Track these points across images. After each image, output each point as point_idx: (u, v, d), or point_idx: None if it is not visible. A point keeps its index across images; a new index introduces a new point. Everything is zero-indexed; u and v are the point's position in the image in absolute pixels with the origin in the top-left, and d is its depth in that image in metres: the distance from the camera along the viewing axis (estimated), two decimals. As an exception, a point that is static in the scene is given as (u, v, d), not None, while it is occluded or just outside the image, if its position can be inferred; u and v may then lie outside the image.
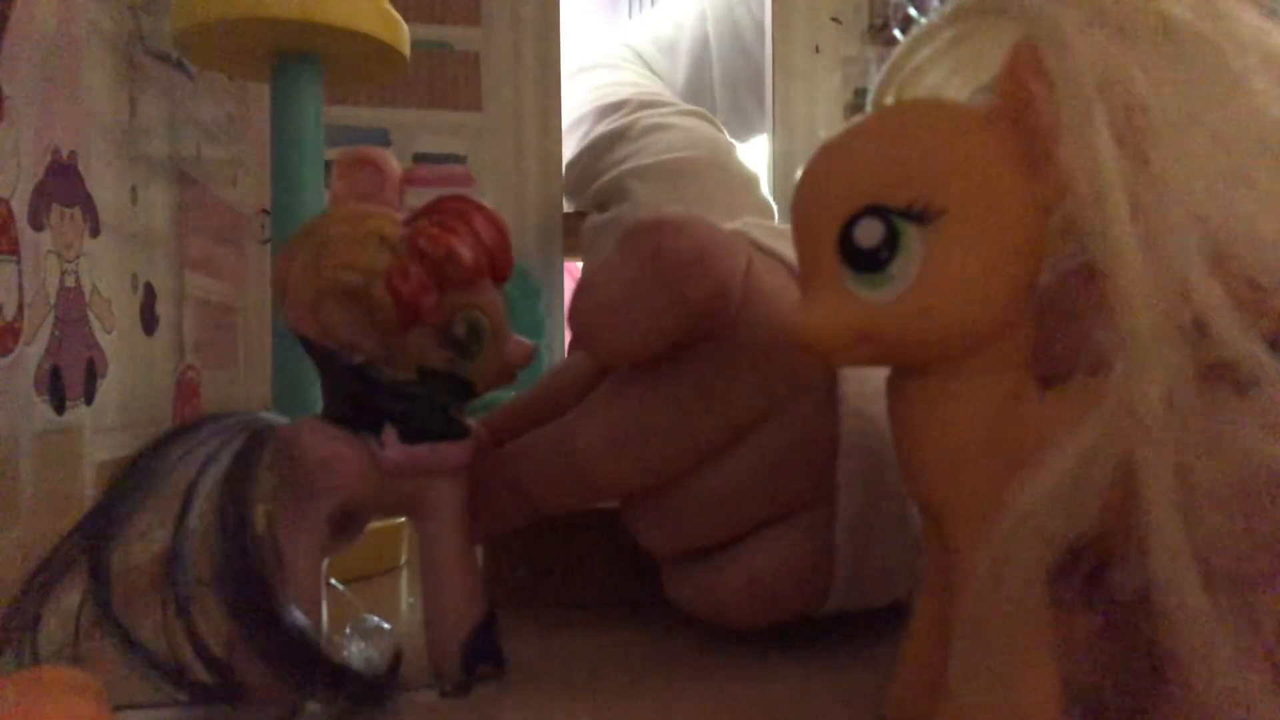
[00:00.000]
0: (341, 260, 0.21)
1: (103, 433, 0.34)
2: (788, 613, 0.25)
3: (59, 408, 0.31)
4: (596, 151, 0.63)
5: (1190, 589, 0.15)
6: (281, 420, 0.22)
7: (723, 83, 0.78)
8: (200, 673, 0.20)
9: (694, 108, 0.67)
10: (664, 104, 0.66)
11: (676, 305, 0.22)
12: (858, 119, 0.19)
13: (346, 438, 0.22)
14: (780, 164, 0.70)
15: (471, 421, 0.24)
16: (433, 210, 0.22)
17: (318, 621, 0.22)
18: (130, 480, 0.20)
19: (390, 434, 0.22)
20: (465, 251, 0.21)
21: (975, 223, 0.17)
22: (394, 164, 0.23)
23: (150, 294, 0.40)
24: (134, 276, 0.38)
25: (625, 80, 0.72)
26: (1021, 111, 0.17)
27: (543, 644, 0.27)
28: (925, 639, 0.20)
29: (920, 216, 0.17)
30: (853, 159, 0.18)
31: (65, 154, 0.32)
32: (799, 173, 0.19)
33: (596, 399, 0.25)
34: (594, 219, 0.59)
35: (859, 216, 0.18)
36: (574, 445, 0.24)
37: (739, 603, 0.25)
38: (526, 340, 0.23)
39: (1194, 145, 0.16)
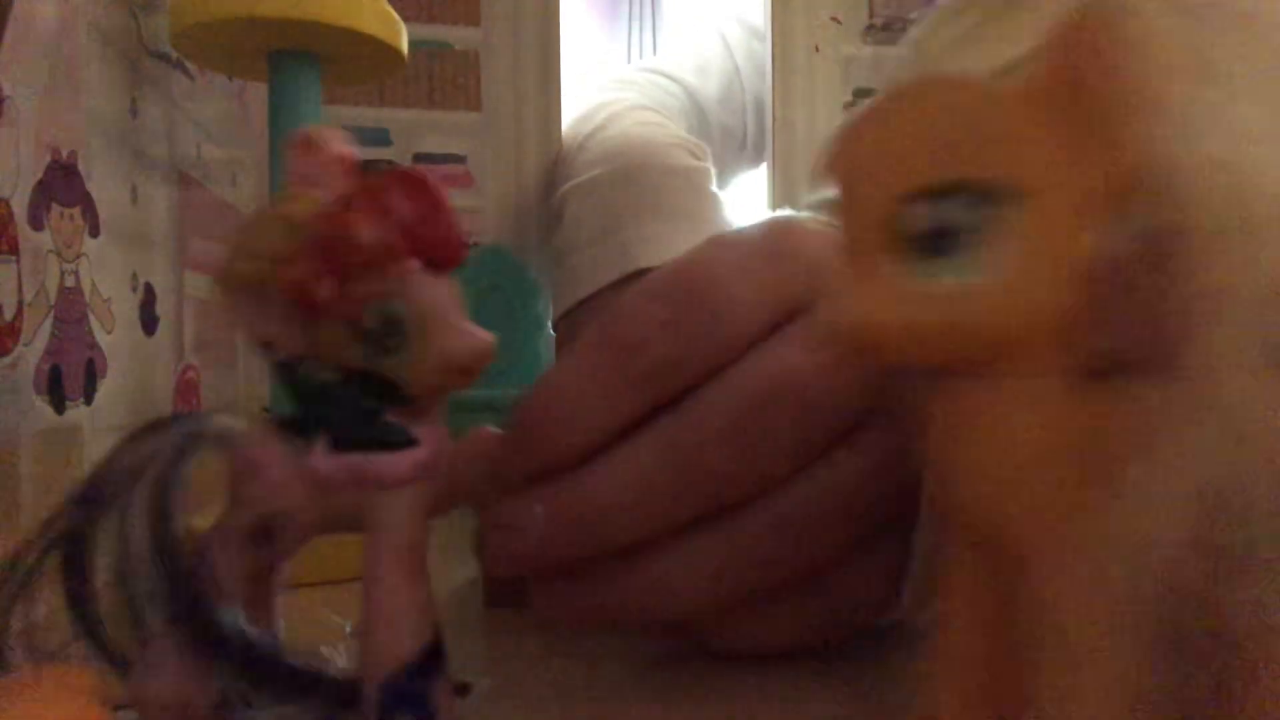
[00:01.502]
0: (244, 247, 0.20)
1: (103, 433, 0.34)
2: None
3: (59, 408, 0.31)
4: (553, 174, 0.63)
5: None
6: (225, 422, 0.21)
7: (754, 108, 0.78)
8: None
9: (644, 104, 0.66)
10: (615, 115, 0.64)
11: (631, 385, 0.21)
12: (904, 89, 0.17)
13: (274, 444, 0.20)
14: (780, 164, 0.70)
15: (437, 430, 0.21)
16: (352, 190, 0.20)
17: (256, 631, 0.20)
18: (84, 488, 0.19)
19: (321, 442, 0.20)
20: (364, 231, 0.19)
21: (1047, 205, 0.16)
22: (333, 143, 0.21)
23: (150, 294, 0.40)
24: (134, 276, 0.38)
25: (618, 98, 0.70)
26: (1087, 85, 0.16)
27: (542, 643, 0.27)
28: (960, 657, 0.19)
29: (999, 197, 0.16)
30: (919, 134, 0.16)
31: (65, 154, 0.32)
32: (841, 141, 0.17)
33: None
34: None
35: (934, 194, 0.16)
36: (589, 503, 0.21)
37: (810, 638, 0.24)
38: (479, 332, 0.20)
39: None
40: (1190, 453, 0.15)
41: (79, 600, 0.19)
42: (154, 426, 0.20)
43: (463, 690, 0.23)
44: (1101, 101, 0.16)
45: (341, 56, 0.38)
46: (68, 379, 0.31)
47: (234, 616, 0.19)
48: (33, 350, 0.29)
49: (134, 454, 0.20)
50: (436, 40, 0.64)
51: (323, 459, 0.20)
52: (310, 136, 0.21)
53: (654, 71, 0.78)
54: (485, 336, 0.20)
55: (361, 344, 0.20)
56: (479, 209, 0.65)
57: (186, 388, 0.45)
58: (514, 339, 0.39)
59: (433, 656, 0.20)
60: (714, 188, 0.57)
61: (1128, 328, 0.16)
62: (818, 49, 0.71)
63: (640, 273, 0.49)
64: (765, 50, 0.77)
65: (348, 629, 0.25)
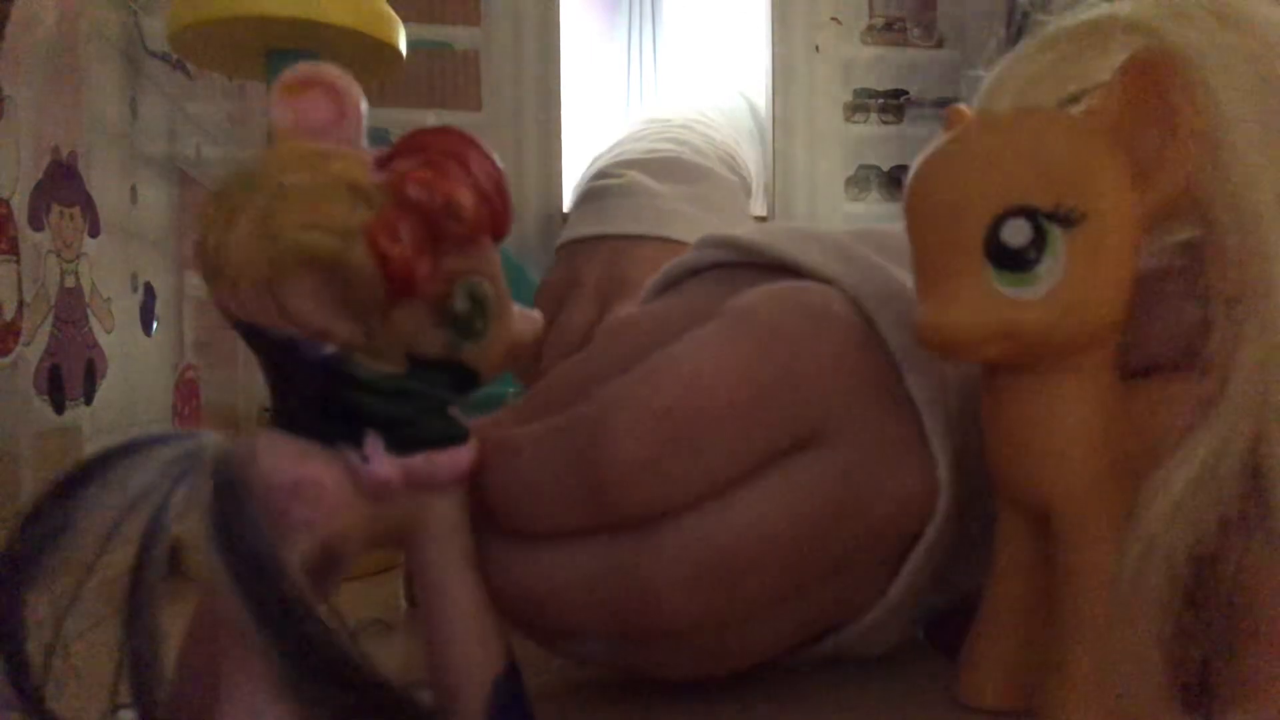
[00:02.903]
0: (304, 218, 0.16)
1: (103, 433, 0.34)
2: None
3: (59, 408, 0.31)
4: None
5: None
6: (219, 439, 0.16)
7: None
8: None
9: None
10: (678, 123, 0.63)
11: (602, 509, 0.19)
12: (986, 121, 0.20)
13: (318, 454, 0.17)
14: (780, 164, 0.70)
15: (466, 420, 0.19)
16: (415, 148, 0.17)
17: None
18: (39, 526, 0.16)
19: (375, 444, 0.17)
20: (467, 197, 0.16)
21: (1108, 226, 0.18)
22: (355, 87, 0.17)
23: (150, 294, 0.40)
24: (134, 276, 0.38)
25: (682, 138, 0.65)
26: (1148, 119, 0.18)
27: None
28: (1004, 622, 0.21)
29: (1065, 219, 0.18)
30: (999, 159, 0.19)
31: (65, 154, 0.32)
32: (922, 169, 0.20)
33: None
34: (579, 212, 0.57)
35: (1008, 215, 0.18)
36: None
37: None
38: (532, 310, 0.19)
39: None
40: (1215, 440, 0.17)
41: (15, 661, 0.15)
42: (138, 446, 0.16)
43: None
44: (1160, 133, 0.18)
45: (341, 56, 0.38)
46: (68, 379, 0.31)
47: (341, 641, 0.16)
48: (33, 350, 0.29)
49: (122, 478, 0.16)
50: (436, 40, 0.64)
51: (383, 463, 0.17)
52: (321, 76, 0.17)
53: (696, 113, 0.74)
54: (538, 314, 0.19)
55: (446, 328, 0.17)
56: (479, 209, 0.64)
57: (186, 388, 0.45)
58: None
59: (515, 665, 0.19)
60: (745, 198, 0.59)
61: (1165, 331, 0.19)
62: (818, 49, 0.71)
63: (665, 240, 0.51)
64: (758, 130, 0.75)
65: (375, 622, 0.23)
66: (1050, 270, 0.18)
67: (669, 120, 0.64)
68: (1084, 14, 0.20)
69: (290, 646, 0.15)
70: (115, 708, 0.18)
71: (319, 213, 0.16)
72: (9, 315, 0.28)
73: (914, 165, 0.20)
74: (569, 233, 0.55)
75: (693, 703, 0.23)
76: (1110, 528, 0.19)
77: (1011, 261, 0.18)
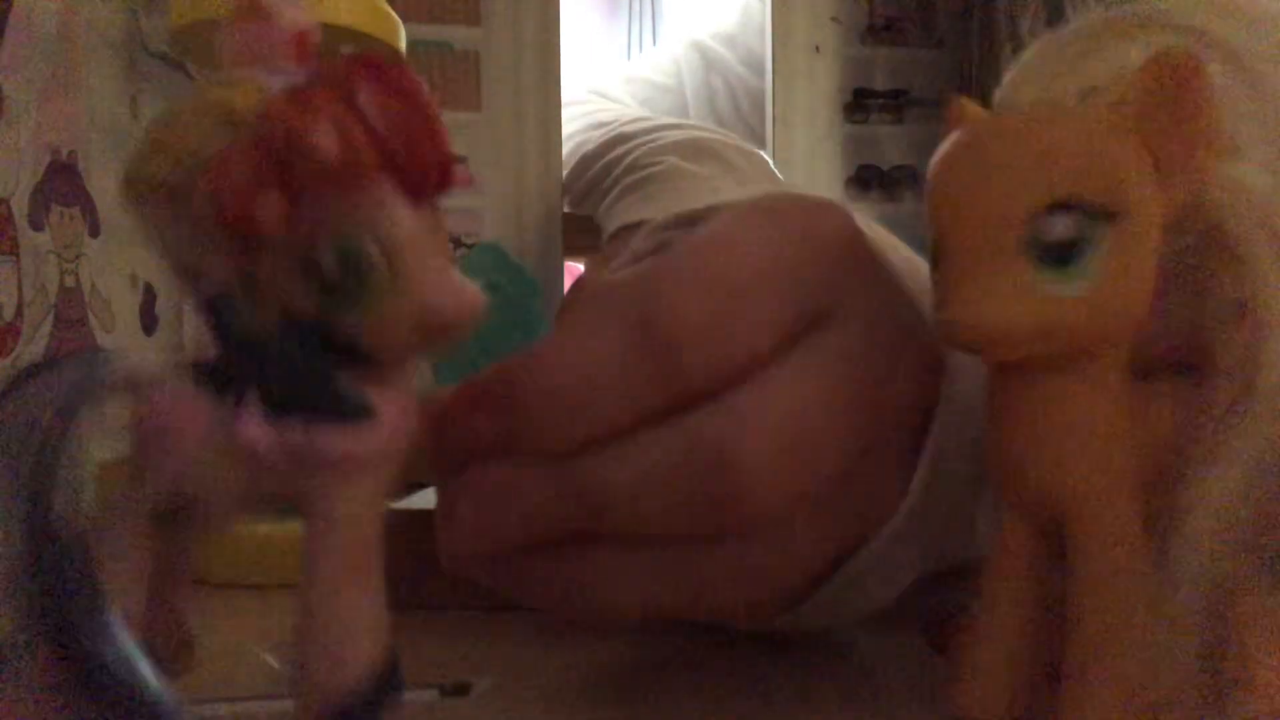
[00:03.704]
0: (159, 144, 0.15)
1: (103, 433, 0.34)
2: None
3: (59, 407, 0.31)
4: (591, 158, 0.63)
5: None
6: (137, 365, 0.16)
7: None
8: None
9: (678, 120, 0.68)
10: (652, 115, 0.66)
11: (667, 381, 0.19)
12: (1024, 115, 0.20)
13: (196, 399, 0.16)
14: (780, 164, 0.70)
15: (404, 400, 0.16)
16: (324, 77, 0.15)
17: (143, 640, 0.15)
18: None
19: (250, 401, 0.15)
20: (325, 137, 0.14)
21: (1142, 223, 0.18)
22: (291, 12, 0.16)
23: (150, 294, 0.40)
24: (134, 276, 0.38)
25: (609, 107, 0.72)
26: (1174, 117, 0.18)
27: (542, 643, 0.27)
28: (1002, 633, 0.21)
29: (1109, 214, 0.18)
30: (1043, 153, 0.18)
31: (65, 154, 0.32)
32: (948, 164, 0.19)
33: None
34: (616, 205, 0.57)
35: (1052, 209, 0.18)
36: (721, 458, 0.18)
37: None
38: (467, 284, 0.16)
39: None
40: (1254, 441, 0.17)
41: None
42: (33, 372, 0.16)
43: (462, 690, 0.23)
44: (1185, 132, 0.18)
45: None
46: (68, 379, 0.31)
47: (120, 640, 0.15)
48: (33, 350, 0.29)
49: (18, 404, 0.15)
50: (436, 40, 0.64)
51: (254, 425, 0.15)
52: (258, 2, 0.16)
53: (598, 94, 0.78)
54: (473, 290, 0.16)
55: (314, 285, 0.15)
56: (479, 209, 0.65)
57: (186, 388, 0.45)
58: (512, 339, 0.39)
59: (383, 681, 0.16)
60: (767, 162, 0.59)
61: (1164, 332, 0.19)
62: (818, 49, 0.71)
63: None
64: (722, 83, 0.77)
65: (272, 661, 0.21)
66: (1094, 266, 0.18)
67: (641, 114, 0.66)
68: (1121, 7, 0.20)
69: (45, 611, 0.15)
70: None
71: (177, 137, 0.15)
72: (9, 315, 0.28)
73: (937, 161, 0.20)
74: (615, 222, 0.55)
75: (691, 704, 0.23)
76: (1126, 532, 0.19)
77: (1056, 256, 0.18)
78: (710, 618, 0.24)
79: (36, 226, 0.29)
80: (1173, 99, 0.18)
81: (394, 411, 0.16)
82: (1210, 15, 0.18)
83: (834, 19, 0.71)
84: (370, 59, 0.14)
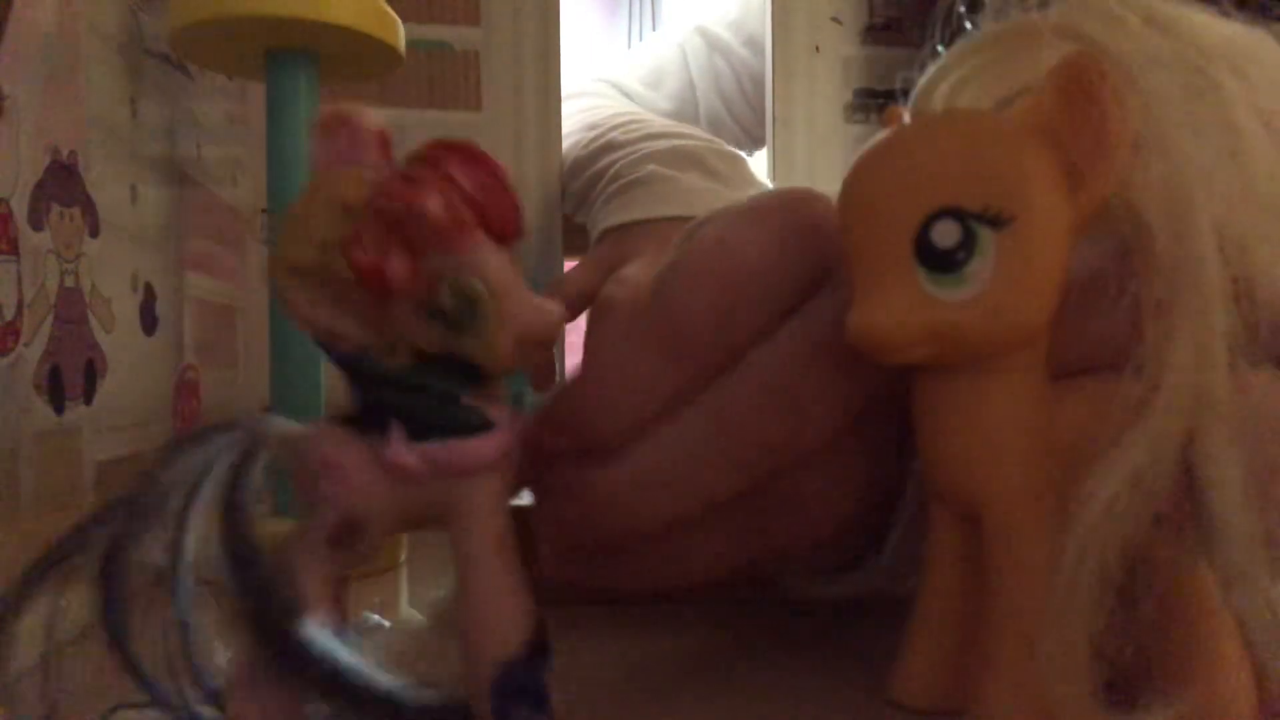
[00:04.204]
0: (292, 233, 0.19)
1: (103, 433, 0.34)
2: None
3: (59, 408, 0.31)
4: (581, 164, 0.64)
5: (1257, 565, 0.17)
6: (284, 424, 0.20)
7: (707, 123, 0.78)
8: (198, 704, 0.19)
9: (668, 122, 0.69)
10: (642, 118, 0.67)
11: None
12: (917, 123, 0.20)
13: (350, 441, 0.19)
14: (780, 164, 0.70)
15: (508, 411, 0.20)
16: (412, 161, 0.19)
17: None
18: (135, 494, 0.18)
19: (397, 432, 0.19)
20: (433, 204, 0.18)
21: (1038, 228, 0.18)
22: (370, 117, 0.20)
23: (150, 294, 0.40)
24: (134, 276, 0.38)
25: (603, 105, 0.73)
26: (1081, 123, 0.18)
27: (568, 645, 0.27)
28: (937, 623, 0.21)
29: (994, 220, 0.18)
30: (929, 161, 0.19)
31: (65, 154, 0.32)
32: (855, 172, 0.20)
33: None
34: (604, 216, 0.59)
35: (936, 217, 0.18)
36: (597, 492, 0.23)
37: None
38: (548, 302, 0.20)
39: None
40: (1148, 440, 0.17)
41: (112, 611, 0.18)
42: (207, 432, 0.19)
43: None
44: (1092, 137, 0.18)
45: (340, 56, 0.38)
46: (68, 379, 0.31)
47: (322, 633, 0.18)
48: (33, 350, 0.29)
49: (188, 462, 0.19)
50: (436, 40, 0.64)
51: (402, 449, 0.19)
52: (341, 113, 0.20)
53: (606, 81, 0.78)
54: (555, 306, 0.20)
55: (437, 324, 0.19)
56: (479, 209, 0.64)
57: (186, 388, 0.45)
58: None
59: (539, 647, 0.20)
60: (748, 165, 0.62)
61: (1099, 334, 0.19)
62: (818, 49, 0.71)
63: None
64: (726, 65, 0.77)
65: (373, 621, 0.25)
66: (979, 272, 0.18)
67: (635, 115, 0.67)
68: (1015, 17, 0.20)
69: (268, 634, 0.18)
70: (113, 708, 0.19)
71: (307, 230, 0.19)
72: (9, 315, 0.28)
73: (849, 169, 0.20)
74: (600, 225, 0.57)
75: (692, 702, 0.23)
76: (1040, 527, 0.19)
77: (940, 262, 0.18)
78: (781, 564, 0.26)
79: (36, 226, 0.29)
80: (1078, 105, 0.18)
81: (504, 420, 0.20)
82: (1116, 26, 0.18)
83: (834, 19, 0.71)
84: (452, 143, 0.19)
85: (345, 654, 0.18)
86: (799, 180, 0.70)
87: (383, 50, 0.38)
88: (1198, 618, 0.19)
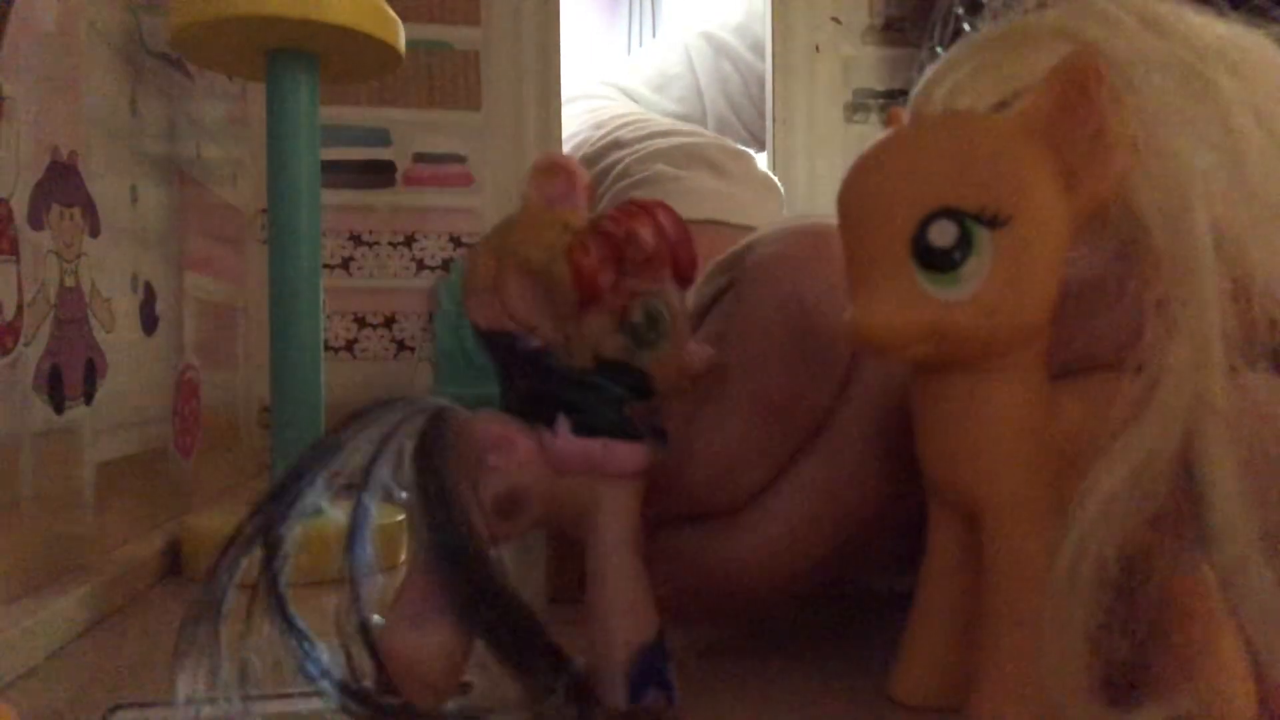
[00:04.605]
0: (524, 238, 0.22)
1: (103, 433, 0.34)
2: None
3: (59, 408, 0.31)
4: (588, 162, 0.64)
5: (1254, 562, 0.17)
6: (455, 405, 0.22)
7: (714, 124, 0.78)
8: (363, 673, 0.20)
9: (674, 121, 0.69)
10: (648, 117, 0.68)
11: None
12: (915, 124, 0.20)
13: (519, 425, 0.22)
14: (780, 164, 0.70)
15: (652, 436, 0.23)
16: (620, 207, 0.23)
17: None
18: (309, 458, 0.20)
19: (563, 424, 0.22)
20: (646, 233, 0.21)
21: (1035, 228, 0.18)
22: (584, 172, 0.23)
23: (150, 294, 0.40)
24: (134, 276, 0.38)
25: (609, 106, 0.73)
26: (1078, 124, 0.18)
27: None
28: (936, 621, 0.21)
29: (991, 221, 0.18)
30: (926, 162, 0.19)
31: (65, 154, 0.32)
32: (854, 172, 0.20)
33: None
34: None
35: (934, 217, 0.19)
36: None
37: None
38: (705, 346, 0.23)
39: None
40: (1147, 439, 0.17)
41: (272, 571, 0.19)
42: (392, 401, 0.21)
43: (464, 688, 0.23)
44: (1088, 138, 0.18)
45: (340, 56, 0.38)
46: (68, 379, 0.31)
47: (505, 576, 0.20)
48: (33, 350, 0.29)
49: (374, 425, 0.21)
50: (436, 40, 0.64)
51: (566, 439, 0.21)
52: (563, 164, 0.23)
53: (610, 85, 0.78)
54: (704, 348, 0.23)
55: (624, 335, 0.22)
56: (479, 208, 0.65)
57: (186, 388, 0.45)
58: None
59: (662, 639, 0.22)
60: (755, 162, 0.62)
61: (1100, 333, 0.19)
62: (818, 49, 0.71)
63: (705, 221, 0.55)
64: (733, 68, 0.77)
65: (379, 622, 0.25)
66: (975, 271, 0.18)
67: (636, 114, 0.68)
68: (1013, 19, 0.20)
69: (459, 569, 0.20)
70: (113, 707, 0.19)
71: (534, 234, 0.22)
72: (9, 315, 0.28)
73: (848, 170, 0.20)
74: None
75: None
76: (1038, 525, 0.19)
77: (937, 262, 0.19)
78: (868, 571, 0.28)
79: (36, 226, 0.29)
80: (1075, 106, 0.18)
81: (650, 441, 0.22)
82: (1113, 27, 0.19)
83: (834, 19, 0.71)
84: (657, 200, 0.23)
85: (522, 602, 0.20)
86: (799, 179, 0.70)
87: (384, 51, 0.38)
88: (1197, 617, 0.19)
